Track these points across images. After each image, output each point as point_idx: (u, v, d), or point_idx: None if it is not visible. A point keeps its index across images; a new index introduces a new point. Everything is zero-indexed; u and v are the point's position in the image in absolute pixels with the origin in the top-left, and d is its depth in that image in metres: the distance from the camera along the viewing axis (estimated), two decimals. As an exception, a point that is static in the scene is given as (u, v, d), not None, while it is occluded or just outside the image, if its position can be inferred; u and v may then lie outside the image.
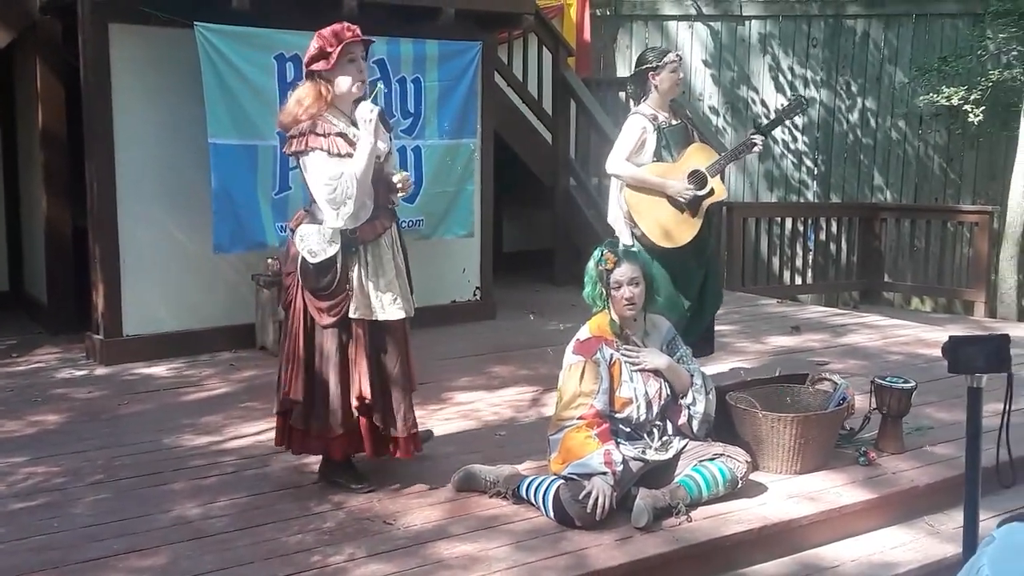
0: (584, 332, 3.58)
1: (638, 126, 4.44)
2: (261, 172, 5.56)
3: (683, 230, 4.40)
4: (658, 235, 4.38)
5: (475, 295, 6.90)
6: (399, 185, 3.59)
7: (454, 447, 4.16)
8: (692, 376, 3.63)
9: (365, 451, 3.66)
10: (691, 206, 4.40)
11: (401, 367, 3.62)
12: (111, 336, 5.58)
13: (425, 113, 6.13)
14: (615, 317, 3.55)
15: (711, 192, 4.43)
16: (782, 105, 4.79)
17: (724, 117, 10.00)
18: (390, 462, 3.82)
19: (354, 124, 3.53)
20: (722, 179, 4.52)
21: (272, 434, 3.79)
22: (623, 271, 3.53)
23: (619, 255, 3.56)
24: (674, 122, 4.50)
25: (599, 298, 3.56)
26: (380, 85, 3.58)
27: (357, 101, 3.55)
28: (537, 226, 8.92)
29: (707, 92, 9.96)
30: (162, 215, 5.65)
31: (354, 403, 3.55)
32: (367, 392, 3.53)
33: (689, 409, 3.60)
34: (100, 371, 5.45)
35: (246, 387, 5.13)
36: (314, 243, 3.48)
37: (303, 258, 3.50)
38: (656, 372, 3.56)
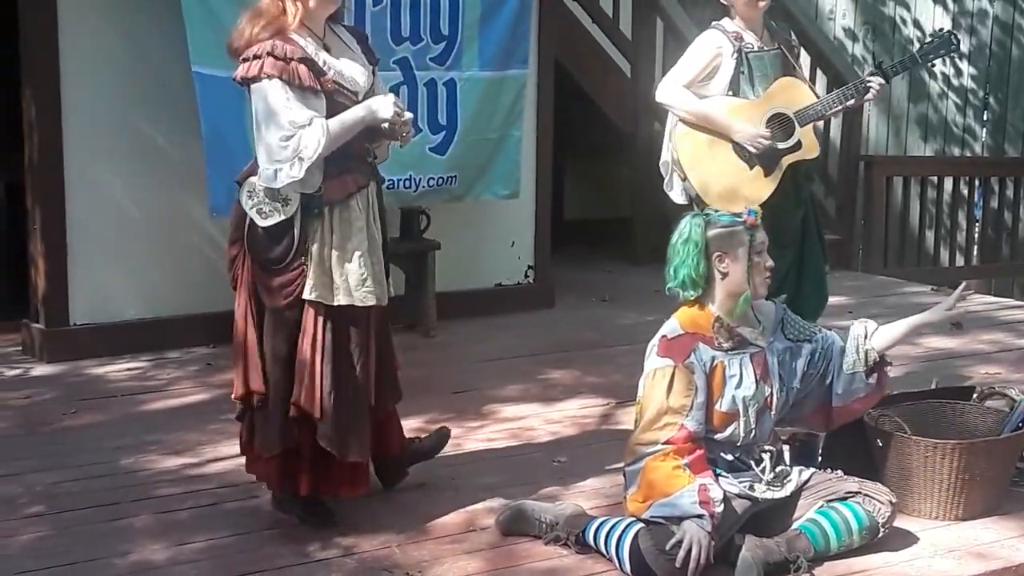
0: (673, 327, 3.55)
1: (712, 44, 4.41)
2: (248, 112, 5.56)
3: (749, 191, 4.34)
4: (711, 194, 4.34)
5: (527, 277, 6.89)
6: (396, 128, 3.58)
7: (499, 477, 4.15)
8: (831, 343, 3.67)
9: (306, 485, 3.65)
10: (764, 161, 4.34)
11: (361, 371, 3.62)
12: (55, 325, 5.65)
13: (463, 36, 6.11)
14: (745, 299, 3.50)
15: (797, 146, 4.35)
16: (924, 41, 4.68)
17: (864, 43, 9.85)
18: (391, 492, 3.88)
19: (326, 49, 3.58)
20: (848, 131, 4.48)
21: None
22: (763, 234, 3.54)
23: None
24: (768, 47, 4.44)
25: (703, 280, 3.50)
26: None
27: (333, 18, 3.65)
28: (610, 186, 8.87)
29: (840, 9, 9.81)
30: (123, 168, 5.70)
31: (292, 411, 3.56)
32: (321, 401, 3.52)
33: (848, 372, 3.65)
34: (40, 370, 5.53)
35: (227, 394, 5.07)
36: (265, 201, 3.51)
37: (251, 220, 3.54)
38: (768, 370, 3.55)
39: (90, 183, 5.62)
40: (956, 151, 9.94)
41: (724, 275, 3.50)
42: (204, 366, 5.59)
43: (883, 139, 9.82)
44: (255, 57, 3.46)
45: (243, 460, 4.17)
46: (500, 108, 6.33)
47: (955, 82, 9.94)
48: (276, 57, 3.43)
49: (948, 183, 9.15)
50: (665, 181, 4.56)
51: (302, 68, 3.44)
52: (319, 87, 3.48)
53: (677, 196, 4.49)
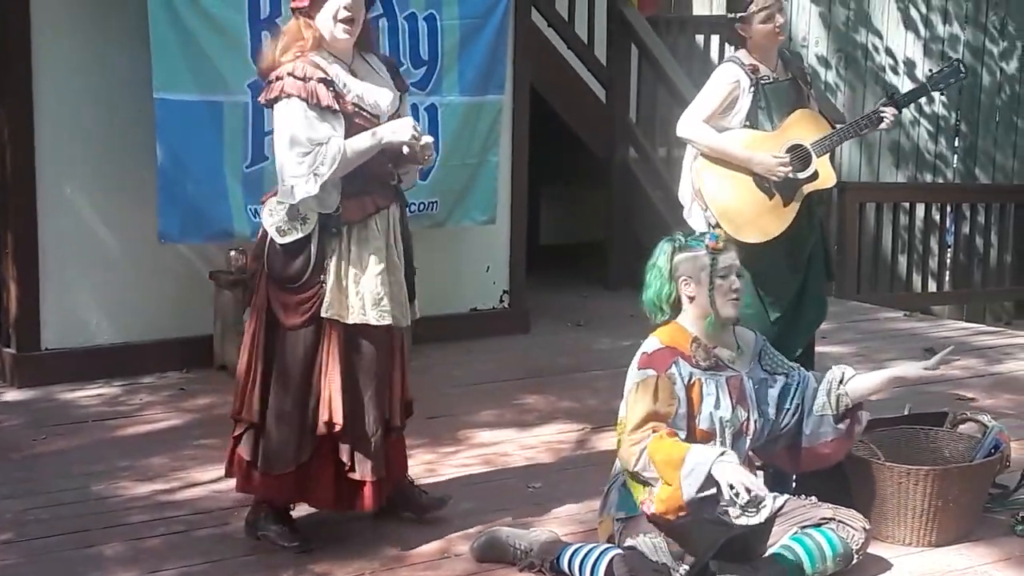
0: (652, 343, 3.60)
1: (730, 78, 4.43)
2: (228, 137, 5.58)
3: (769, 221, 4.39)
4: (733, 225, 4.38)
5: (502, 301, 6.90)
6: (416, 152, 3.61)
7: (474, 503, 4.15)
8: (805, 380, 3.70)
9: (320, 501, 3.72)
10: (784, 190, 4.39)
11: (377, 390, 3.68)
12: (26, 350, 5.61)
13: (443, 61, 6.14)
14: (709, 322, 3.54)
15: (815, 176, 4.40)
16: (932, 71, 4.75)
17: (837, 70, 9.92)
18: (367, 518, 3.85)
19: (353, 74, 3.64)
20: (832, 159, 4.50)
21: (235, 481, 3.81)
22: (730, 257, 3.59)
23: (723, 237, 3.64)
24: (782, 78, 4.48)
25: (667, 302, 3.57)
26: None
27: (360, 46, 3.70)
28: (585, 212, 8.88)
29: (813, 35, 9.89)
30: (97, 190, 5.68)
31: (321, 428, 3.59)
32: (338, 416, 3.57)
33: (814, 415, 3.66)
34: (11, 395, 5.48)
35: (201, 419, 5.14)
36: (284, 219, 3.57)
37: (270, 239, 3.60)
38: (744, 395, 3.57)
39: (63, 206, 5.60)
40: (928, 177, 10.01)
41: (691, 299, 3.58)
42: (177, 391, 5.55)
43: (856, 165, 9.88)
44: (277, 79, 3.56)
45: (216, 487, 4.16)
46: (478, 133, 6.36)
47: (927, 109, 10.01)
48: (296, 77, 3.52)
49: (920, 209, 9.21)
50: (685, 210, 4.58)
51: (320, 88, 3.52)
52: (338, 107, 3.54)
53: (697, 224, 4.51)
